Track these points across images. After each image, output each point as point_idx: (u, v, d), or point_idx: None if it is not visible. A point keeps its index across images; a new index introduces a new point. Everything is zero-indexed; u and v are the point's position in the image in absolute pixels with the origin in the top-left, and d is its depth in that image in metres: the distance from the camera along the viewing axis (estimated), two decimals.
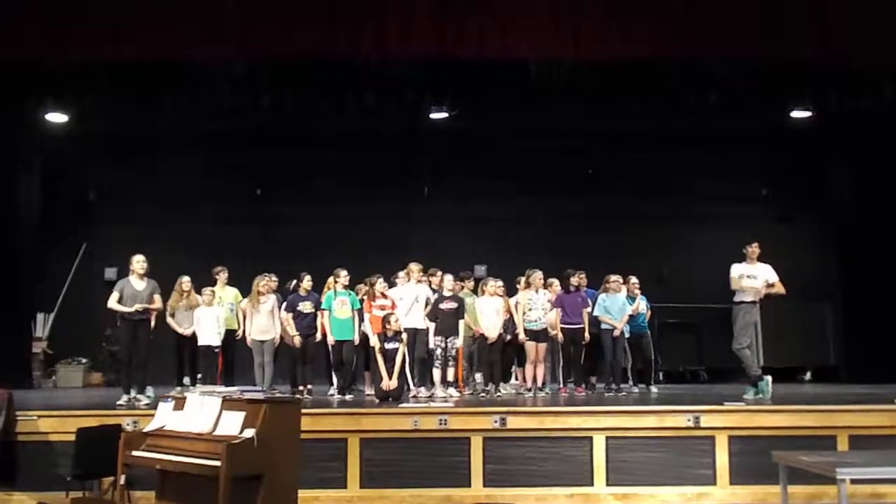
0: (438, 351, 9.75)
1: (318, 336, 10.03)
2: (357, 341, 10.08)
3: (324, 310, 9.93)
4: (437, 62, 10.26)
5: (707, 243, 13.16)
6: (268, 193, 13.98)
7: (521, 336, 10.11)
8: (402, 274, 10.38)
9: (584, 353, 10.47)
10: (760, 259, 9.47)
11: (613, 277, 10.57)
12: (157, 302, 9.27)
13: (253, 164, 13.80)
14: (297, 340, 9.93)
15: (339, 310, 9.92)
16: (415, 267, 10.19)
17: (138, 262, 9.15)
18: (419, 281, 10.17)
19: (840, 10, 9.44)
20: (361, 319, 10.13)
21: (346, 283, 10.05)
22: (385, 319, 9.56)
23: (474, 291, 10.69)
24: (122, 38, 9.40)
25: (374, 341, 9.69)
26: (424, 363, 10.00)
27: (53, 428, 7.79)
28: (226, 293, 10.56)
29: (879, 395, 9.34)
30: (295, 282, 10.26)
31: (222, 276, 10.61)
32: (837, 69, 10.63)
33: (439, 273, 10.13)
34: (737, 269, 9.39)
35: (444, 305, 9.83)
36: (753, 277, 9.32)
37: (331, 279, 10.18)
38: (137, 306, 8.97)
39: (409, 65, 10.55)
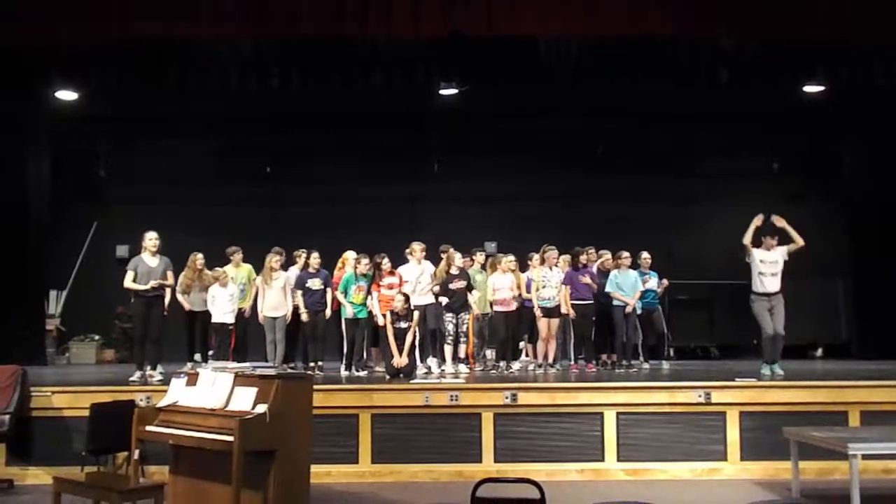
0: (450, 327, 9.77)
1: (328, 313, 10.09)
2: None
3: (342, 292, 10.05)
4: (446, 40, 10.16)
5: (718, 220, 13.08)
6: (277, 173, 13.96)
7: (537, 313, 10.11)
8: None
9: (595, 329, 10.47)
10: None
11: (625, 254, 10.54)
12: (171, 278, 9.30)
13: (262, 143, 13.76)
14: (305, 316, 9.98)
15: (356, 295, 10.00)
16: (417, 246, 10.23)
17: (150, 240, 9.12)
18: (420, 261, 10.18)
19: None
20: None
21: (365, 270, 10.06)
22: (395, 301, 9.60)
23: (483, 268, 10.67)
24: (131, 17, 9.38)
25: (381, 320, 9.74)
26: (434, 336, 10.04)
27: (67, 404, 7.88)
28: (238, 273, 10.56)
29: (891, 370, 9.34)
30: (304, 258, 10.31)
31: (236, 256, 10.60)
32: (848, 45, 10.51)
33: (451, 250, 10.11)
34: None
35: (453, 285, 9.84)
36: (775, 262, 9.18)
37: (350, 261, 10.31)
38: (152, 283, 8.99)
39: (418, 44, 10.47)
